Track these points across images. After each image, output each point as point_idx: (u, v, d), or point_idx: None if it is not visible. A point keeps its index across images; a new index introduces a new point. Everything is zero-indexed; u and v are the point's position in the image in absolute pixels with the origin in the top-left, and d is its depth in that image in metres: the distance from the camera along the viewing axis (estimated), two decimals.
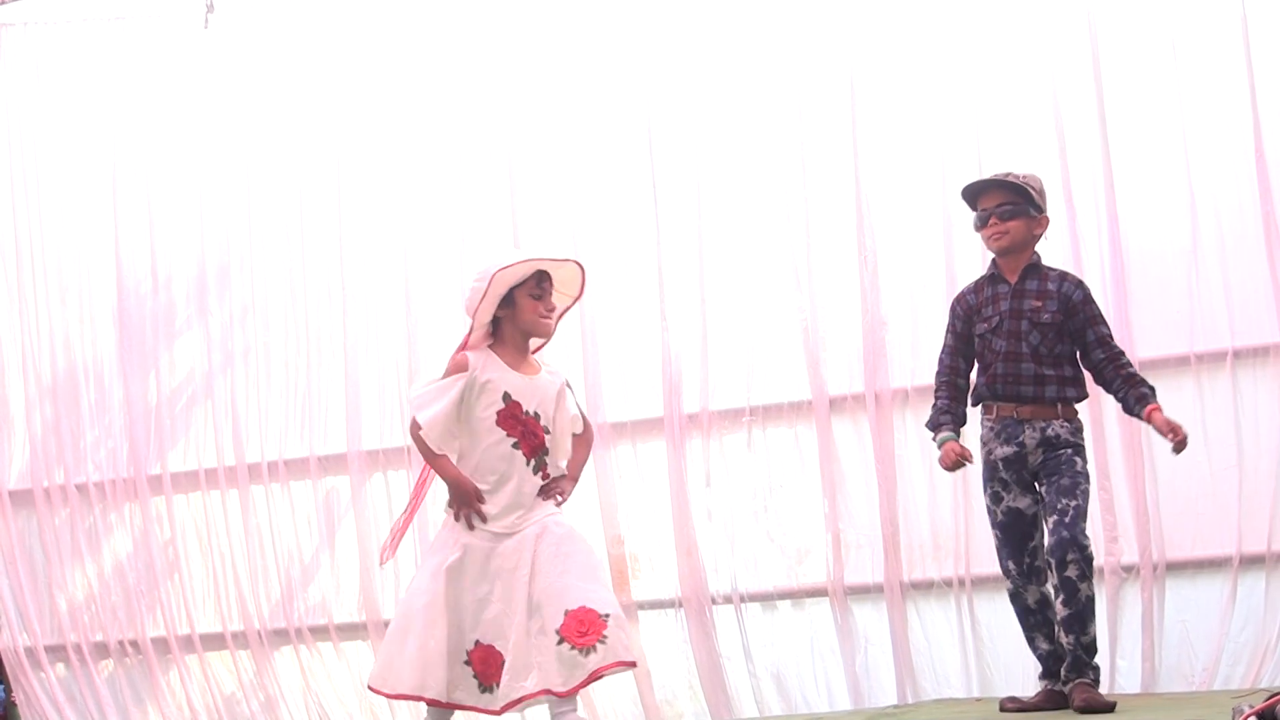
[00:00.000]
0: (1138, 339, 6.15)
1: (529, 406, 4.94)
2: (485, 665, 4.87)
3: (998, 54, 6.51)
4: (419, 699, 4.87)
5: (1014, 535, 5.29)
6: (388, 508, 7.28)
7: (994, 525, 5.36)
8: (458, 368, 4.99)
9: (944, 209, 6.42)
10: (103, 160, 7.79)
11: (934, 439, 5.42)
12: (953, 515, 6.37)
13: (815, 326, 6.60)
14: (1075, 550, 5.08)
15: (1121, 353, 5.34)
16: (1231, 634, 5.95)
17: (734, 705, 6.64)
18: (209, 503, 7.55)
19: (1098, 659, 5.22)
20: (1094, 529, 5.38)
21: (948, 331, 5.50)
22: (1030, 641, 5.36)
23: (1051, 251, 5.67)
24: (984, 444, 5.36)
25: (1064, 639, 5.18)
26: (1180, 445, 5.15)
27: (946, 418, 5.39)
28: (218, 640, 7.53)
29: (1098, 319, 5.33)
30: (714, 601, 6.71)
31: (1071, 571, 5.09)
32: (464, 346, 5.04)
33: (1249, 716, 4.03)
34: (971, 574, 6.33)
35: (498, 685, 4.82)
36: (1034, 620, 5.30)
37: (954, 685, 6.36)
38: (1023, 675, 6.09)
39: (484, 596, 4.87)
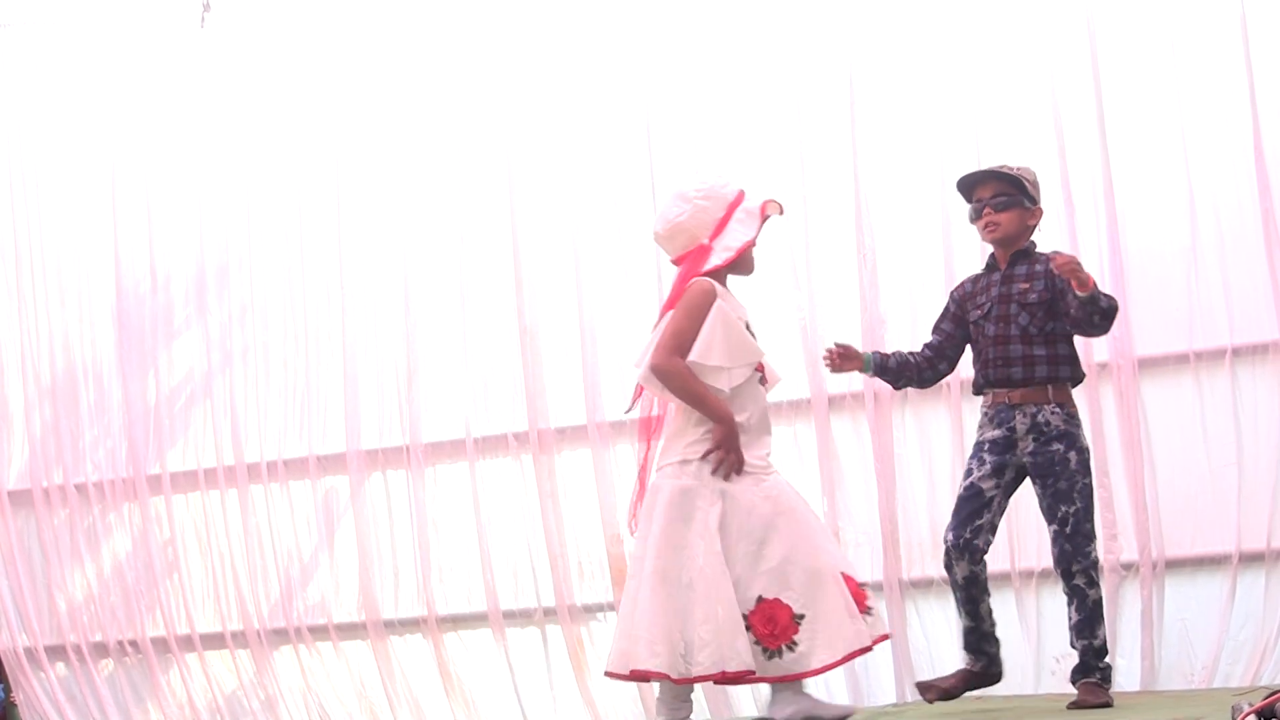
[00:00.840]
0: (1137, 337, 6.15)
1: None
2: (771, 624, 4.56)
3: (997, 52, 6.50)
4: (714, 678, 4.52)
5: (965, 509, 5.31)
6: (387, 507, 7.29)
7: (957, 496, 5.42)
8: (707, 295, 4.71)
9: (943, 207, 6.41)
10: (101, 161, 7.80)
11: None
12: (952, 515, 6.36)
13: (814, 325, 6.59)
14: (1080, 560, 5.15)
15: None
16: (1231, 632, 5.95)
17: (733, 704, 6.64)
18: (208, 502, 7.55)
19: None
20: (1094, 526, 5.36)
21: (940, 316, 5.59)
22: (959, 616, 5.43)
23: (1050, 249, 5.66)
24: (979, 429, 5.42)
25: (1075, 643, 5.24)
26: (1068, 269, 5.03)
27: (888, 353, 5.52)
28: (217, 640, 7.53)
29: None
30: None
31: (1080, 580, 5.16)
32: (698, 272, 4.77)
33: (1249, 714, 4.02)
34: None
35: (791, 645, 4.54)
36: (960, 595, 5.34)
37: None
38: (1020, 673, 6.09)
39: (757, 548, 4.58)
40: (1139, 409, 6.16)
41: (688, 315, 4.69)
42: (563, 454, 7.04)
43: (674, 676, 4.53)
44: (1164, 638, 6.05)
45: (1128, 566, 6.14)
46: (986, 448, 5.32)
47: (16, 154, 7.94)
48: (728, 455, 4.63)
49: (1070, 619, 5.21)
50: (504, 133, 7.18)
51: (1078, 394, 5.43)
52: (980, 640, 5.33)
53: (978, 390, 5.45)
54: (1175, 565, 6.09)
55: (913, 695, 6.34)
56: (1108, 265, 6.19)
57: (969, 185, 5.49)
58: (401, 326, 7.27)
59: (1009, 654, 5.80)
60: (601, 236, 7.01)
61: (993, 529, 5.30)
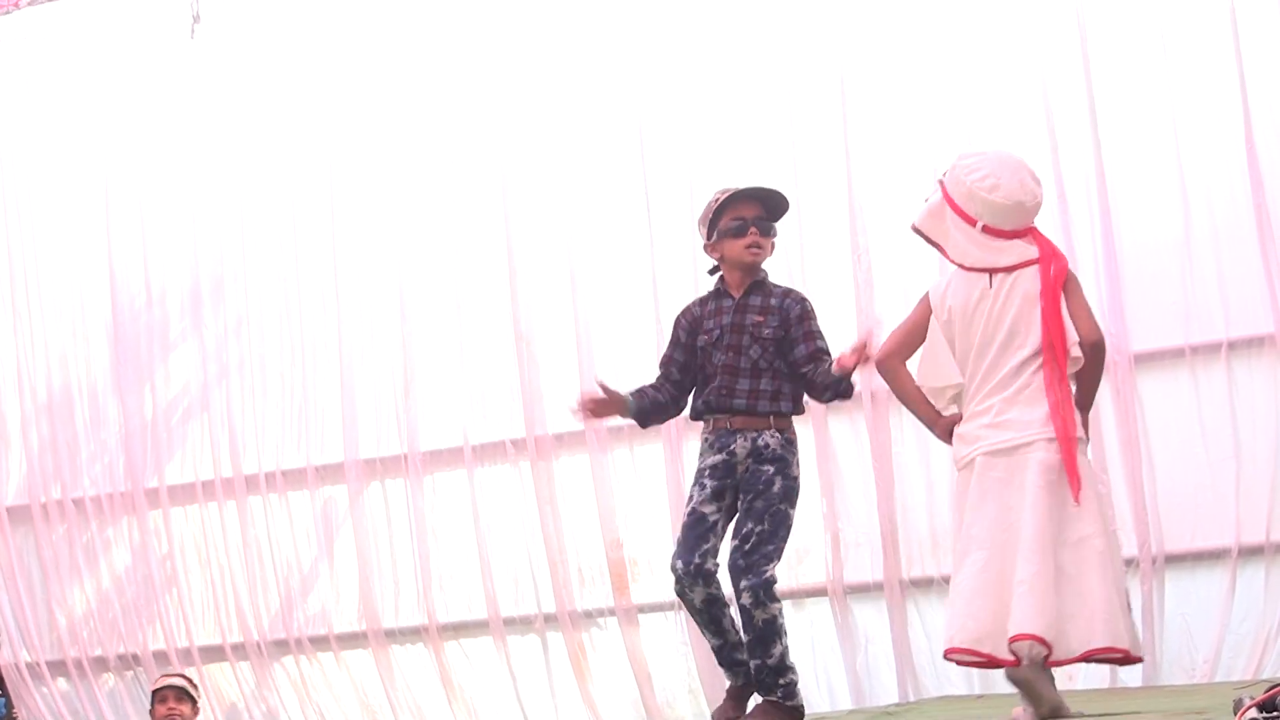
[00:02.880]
0: (1132, 331, 6.15)
1: None
2: None
3: (988, 50, 6.51)
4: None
5: (691, 536, 5.11)
6: (386, 516, 7.29)
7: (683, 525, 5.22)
8: None
9: None
10: (95, 175, 7.81)
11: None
12: (951, 512, 6.35)
13: None
14: (750, 577, 4.96)
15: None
16: (1232, 625, 5.94)
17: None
18: (207, 515, 7.55)
19: (792, 676, 5.12)
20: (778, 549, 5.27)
21: (670, 346, 5.29)
22: (705, 636, 5.24)
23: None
24: (700, 455, 5.22)
25: (750, 661, 5.10)
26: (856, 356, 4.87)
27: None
28: (217, 652, 7.52)
29: (814, 334, 5.18)
30: None
31: (746, 599, 4.96)
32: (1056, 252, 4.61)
33: (1251, 708, 4.02)
34: None
35: None
36: (702, 619, 5.17)
37: (955, 683, 6.34)
38: None
39: None
40: (1136, 404, 6.16)
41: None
42: (561, 460, 7.04)
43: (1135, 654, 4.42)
44: (1165, 632, 6.05)
45: (1127, 562, 6.10)
46: (707, 473, 5.15)
47: (9, 169, 7.96)
48: None
49: (751, 636, 5.04)
50: (497, 141, 7.19)
51: None
52: (733, 652, 5.15)
53: (697, 416, 5.25)
54: (1175, 560, 6.09)
55: (914, 694, 6.34)
56: (1102, 260, 6.19)
57: (736, 196, 5.18)
58: (398, 335, 7.28)
59: None
60: (596, 242, 7.01)
61: (717, 551, 5.14)
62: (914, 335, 4.61)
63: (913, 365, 4.74)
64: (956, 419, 4.55)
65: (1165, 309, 6.18)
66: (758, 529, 5.02)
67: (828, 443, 6.58)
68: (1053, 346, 4.41)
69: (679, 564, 5.09)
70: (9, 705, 7.79)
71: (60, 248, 7.87)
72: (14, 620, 7.80)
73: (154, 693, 6.60)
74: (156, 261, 7.70)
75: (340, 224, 7.43)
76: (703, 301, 5.28)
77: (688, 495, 5.22)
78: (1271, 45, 6.09)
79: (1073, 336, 4.44)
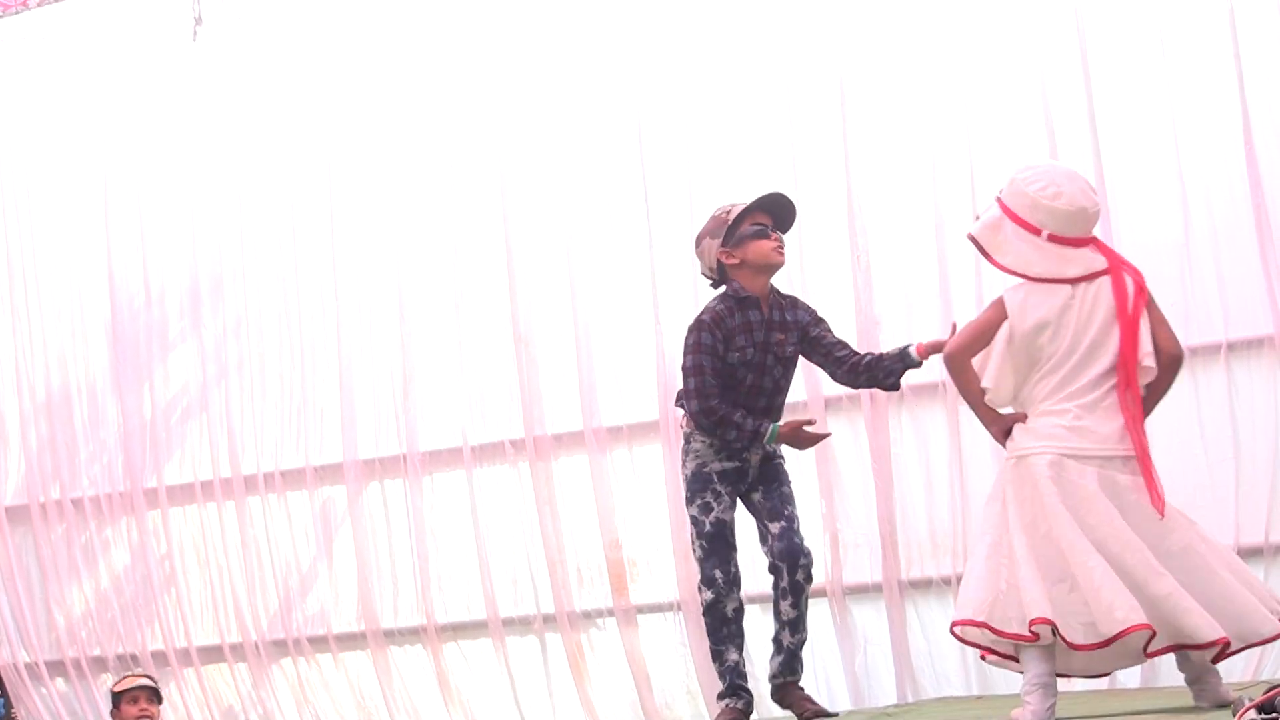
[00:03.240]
0: None
1: None
2: None
3: (987, 51, 6.50)
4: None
5: (720, 545, 5.23)
6: (385, 516, 7.29)
7: (699, 536, 5.26)
8: None
9: (935, 207, 6.42)
10: (94, 175, 7.81)
11: (765, 437, 5.20)
12: (950, 513, 6.36)
13: None
14: (805, 556, 5.22)
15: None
16: None
17: None
18: (205, 515, 7.55)
19: None
20: None
21: (711, 371, 5.23)
22: (719, 656, 5.26)
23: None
24: (696, 456, 5.28)
25: (788, 638, 5.23)
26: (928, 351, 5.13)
27: (751, 420, 5.22)
28: (216, 653, 7.52)
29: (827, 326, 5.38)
30: None
31: (800, 575, 5.20)
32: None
33: (1249, 709, 4.02)
34: None
35: None
36: (729, 630, 5.24)
37: (954, 684, 6.34)
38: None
39: None
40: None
41: None
42: (560, 460, 7.04)
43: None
44: None
45: None
46: (718, 479, 5.26)
47: (9, 169, 7.96)
48: None
49: (785, 615, 5.20)
50: (497, 142, 7.19)
51: None
52: (742, 679, 5.27)
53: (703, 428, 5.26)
54: None
55: (913, 695, 6.34)
56: None
57: (766, 203, 5.31)
58: (397, 336, 7.28)
59: None
60: (595, 242, 7.01)
61: (737, 553, 5.32)
62: (984, 335, 4.63)
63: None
64: (1016, 419, 4.59)
65: (1164, 310, 6.15)
66: (794, 510, 5.30)
67: (827, 444, 6.57)
68: (1126, 364, 4.49)
69: (718, 575, 5.19)
70: (8, 706, 7.79)
71: (60, 247, 7.88)
72: (13, 620, 7.80)
73: (122, 693, 6.45)
74: (156, 261, 7.70)
75: (339, 224, 7.43)
76: (729, 312, 5.25)
77: (697, 500, 5.25)
78: (1270, 46, 6.08)
79: (1146, 348, 4.51)
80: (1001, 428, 4.63)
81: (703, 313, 5.28)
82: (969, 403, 4.71)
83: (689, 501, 5.30)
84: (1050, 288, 4.56)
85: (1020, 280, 4.59)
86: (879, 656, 6.50)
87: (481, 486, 7.13)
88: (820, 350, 5.32)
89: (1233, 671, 5.79)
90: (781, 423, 5.22)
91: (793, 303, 5.39)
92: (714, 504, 5.25)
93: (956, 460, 6.34)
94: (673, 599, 6.78)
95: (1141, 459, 4.45)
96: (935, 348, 5.10)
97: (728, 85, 6.88)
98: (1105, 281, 4.55)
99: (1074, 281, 4.55)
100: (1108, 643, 4.31)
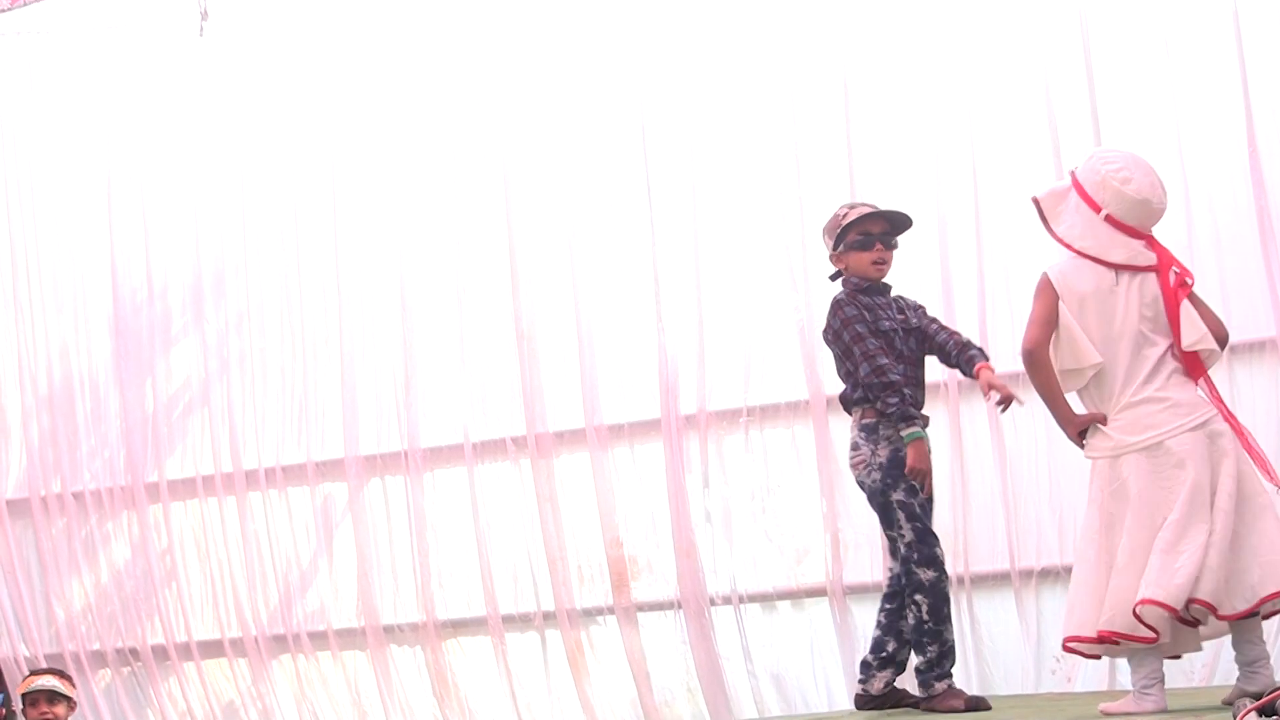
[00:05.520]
0: None
1: None
2: None
3: (991, 53, 6.51)
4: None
5: (933, 524, 5.29)
6: (385, 513, 7.28)
7: (911, 519, 5.24)
8: None
9: (938, 208, 6.43)
10: (98, 169, 7.81)
11: (903, 431, 5.23)
12: (950, 513, 6.35)
13: (811, 326, 6.58)
14: None
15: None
16: None
17: (733, 706, 6.63)
18: (206, 510, 7.55)
19: None
20: None
21: (869, 334, 5.29)
22: (937, 636, 5.22)
23: (1046, 251, 5.62)
24: (889, 441, 5.26)
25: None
26: (1004, 404, 5.19)
27: (910, 401, 5.28)
28: (216, 647, 7.52)
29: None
30: (713, 602, 6.71)
31: None
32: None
33: (1249, 711, 4.03)
34: (970, 572, 6.31)
35: None
36: (948, 610, 5.27)
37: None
38: (1021, 673, 6.09)
39: None
40: None
41: None
42: (561, 458, 7.04)
43: None
44: None
45: None
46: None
47: (13, 162, 7.96)
48: None
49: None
50: (499, 138, 7.19)
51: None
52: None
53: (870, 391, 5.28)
54: None
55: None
56: None
57: (891, 220, 5.41)
58: (399, 332, 7.27)
59: (1012, 655, 5.81)
60: (598, 240, 7.01)
61: None
62: (1050, 320, 4.70)
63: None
64: (1094, 419, 4.65)
65: None
66: None
67: (828, 444, 6.58)
68: (1183, 355, 4.61)
69: (939, 553, 5.26)
70: (7, 700, 7.77)
71: (63, 241, 7.88)
72: (13, 614, 7.79)
73: (24, 695, 6.37)
74: (158, 256, 7.70)
75: (342, 220, 7.43)
76: (867, 290, 5.34)
77: (901, 484, 5.22)
78: (1274, 48, 6.09)
79: (1200, 331, 4.60)
80: (1077, 428, 4.69)
81: (835, 296, 5.39)
82: (1047, 400, 4.75)
83: (890, 488, 5.24)
84: (1094, 267, 4.63)
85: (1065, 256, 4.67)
86: None
87: (482, 483, 7.13)
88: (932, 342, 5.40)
89: (1232, 674, 5.76)
90: (916, 438, 5.18)
91: (900, 298, 5.47)
92: (919, 485, 5.25)
93: (958, 460, 6.34)
94: (673, 597, 6.78)
95: (1230, 421, 4.61)
96: (996, 386, 5.14)
97: (732, 82, 6.89)
98: (1149, 276, 4.63)
99: (1116, 268, 4.61)
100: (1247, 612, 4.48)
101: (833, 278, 5.46)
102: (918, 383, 5.35)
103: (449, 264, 7.24)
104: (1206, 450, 4.53)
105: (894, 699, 5.35)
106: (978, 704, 5.18)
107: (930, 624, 5.19)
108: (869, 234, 5.33)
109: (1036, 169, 5.70)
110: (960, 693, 5.22)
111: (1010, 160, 6.11)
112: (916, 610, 5.19)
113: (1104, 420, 4.63)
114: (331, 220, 7.44)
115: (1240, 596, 4.47)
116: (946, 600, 5.23)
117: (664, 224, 6.87)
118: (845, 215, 5.39)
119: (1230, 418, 4.63)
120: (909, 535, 5.23)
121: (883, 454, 5.26)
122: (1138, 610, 4.44)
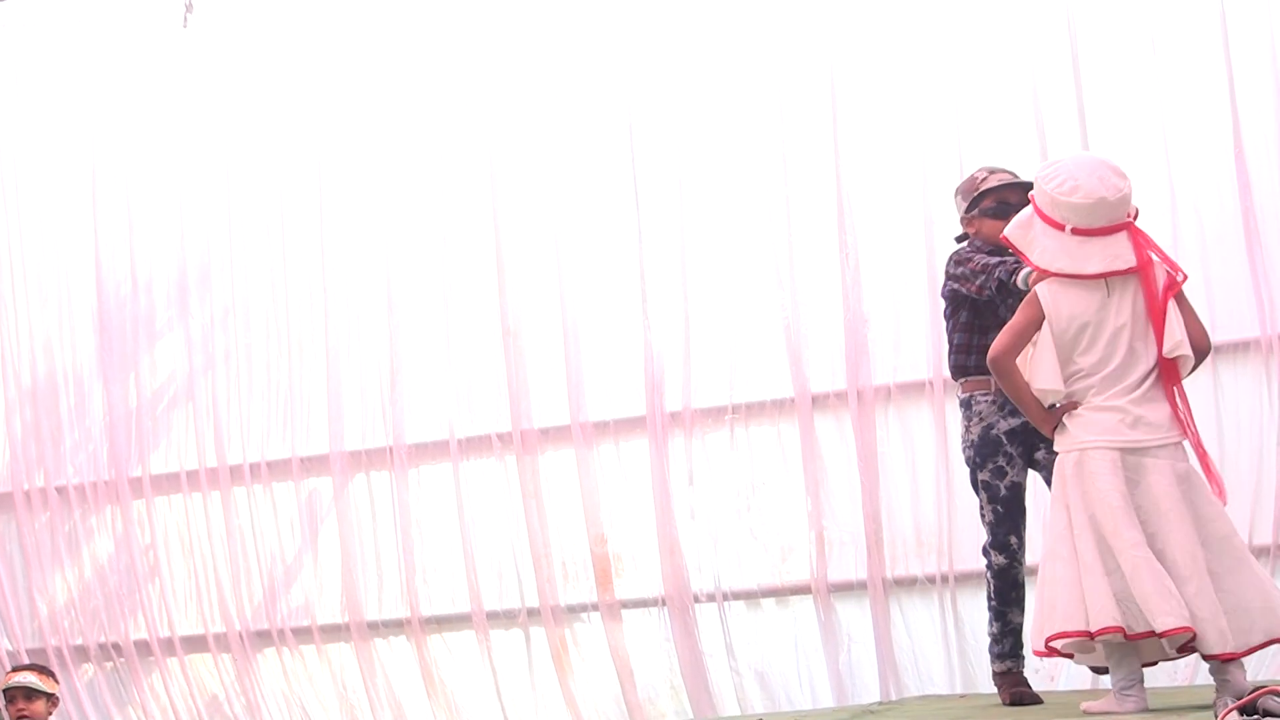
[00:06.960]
0: None
1: None
2: None
3: (978, 52, 6.52)
4: None
5: (1015, 510, 5.22)
6: (370, 508, 7.27)
7: (993, 501, 5.20)
8: None
9: (925, 206, 6.43)
10: (82, 162, 7.78)
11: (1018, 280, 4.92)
12: (935, 512, 6.38)
13: (797, 324, 6.60)
14: None
15: None
16: None
17: (717, 703, 6.64)
18: (190, 505, 7.53)
19: None
20: None
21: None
22: (1002, 617, 5.23)
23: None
24: (981, 419, 5.20)
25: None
26: None
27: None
28: (200, 642, 7.51)
29: None
30: (697, 600, 6.72)
31: None
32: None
33: (1232, 710, 4.04)
34: (955, 570, 6.33)
35: None
36: (1018, 595, 5.24)
37: (937, 682, 6.36)
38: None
39: None
40: None
41: None
42: (546, 454, 7.03)
43: None
44: None
45: None
46: (1007, 441, 5.19)
47: None
48: None
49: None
50: (486, 134, 7.18)
51: None
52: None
53: (977, 372, 5.19)
54: None
55: (896, 693, 6.35)
56: None
57: (1012, 186, 5.28)
58: (384, 328, 7.26)
59: None
60: (584, 237, 7.01)
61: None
62: (1026, 334, 4.68)
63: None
64: (1068, 409, 4.62)
65: None
66: None
67: (813, 441, 6.59)
68: (1162, 359, 4.57)
69: (1013, 540, 5.21)
70: None
71: (47, 234, 7.84)
72: None
73: (3, 692, 6.34)
74: (143, 250, 7.67)
75: (328, 216, 7.41)
76: (986, 252, 5.17)
77: (989, 465, 5.17)
78: (1261, 49, 6.11)
79: (1178, 337, 4.56)
80: (1053, 424, 4.68)
81: (957, 251, 5.28)
82: (1019, 403, 4.75)
83: (979, 466, 5.20)
84: (1083, 284, 4.61)
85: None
86: (863, 654, 6.51)
87: (468, 480, 7.12)
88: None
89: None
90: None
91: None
92: (1007, 468, 5.19)
93: (943, 459, 6.35)
94: (657, 594, 6.79)
95: (1197, 448, 4.57)
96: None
97: (719, 81, 6.89)
98: (1138, 279, 4.60)
99: (1093, 278, 4.59)
100: (1151, 634, 4.43)
101: (959, 239, 5.35)
102: None
103: (435, 260, 7.23)
104: (1167, 484, 4.50)
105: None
106: (1022, 698, 5.19)
107: (995, 604, 5.24)
108: (1006, 203, 5.17)
109: (1024, 169, 5.69)
110: (1012, 682, 5.24)
111: (997, 160, 6.08)
112: (987, 587, 5.26)
113: (1075, 406, 4.61)
114: (317, 215, 7.43)
115: (1233, 640, 4.44)
116: (1015, 585, 5.21)
117: (650, 222, 6.87)
118: (984, 179, 5.29)
119: (1192, 434, 4.58)
120: (989, 516, 5.23)
121: (975, 431, 5.23)
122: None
